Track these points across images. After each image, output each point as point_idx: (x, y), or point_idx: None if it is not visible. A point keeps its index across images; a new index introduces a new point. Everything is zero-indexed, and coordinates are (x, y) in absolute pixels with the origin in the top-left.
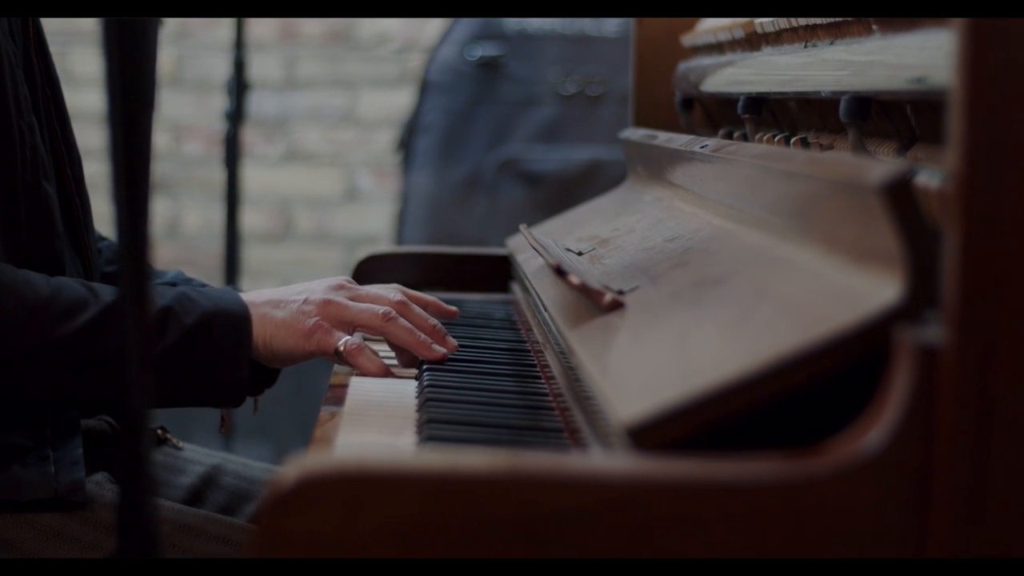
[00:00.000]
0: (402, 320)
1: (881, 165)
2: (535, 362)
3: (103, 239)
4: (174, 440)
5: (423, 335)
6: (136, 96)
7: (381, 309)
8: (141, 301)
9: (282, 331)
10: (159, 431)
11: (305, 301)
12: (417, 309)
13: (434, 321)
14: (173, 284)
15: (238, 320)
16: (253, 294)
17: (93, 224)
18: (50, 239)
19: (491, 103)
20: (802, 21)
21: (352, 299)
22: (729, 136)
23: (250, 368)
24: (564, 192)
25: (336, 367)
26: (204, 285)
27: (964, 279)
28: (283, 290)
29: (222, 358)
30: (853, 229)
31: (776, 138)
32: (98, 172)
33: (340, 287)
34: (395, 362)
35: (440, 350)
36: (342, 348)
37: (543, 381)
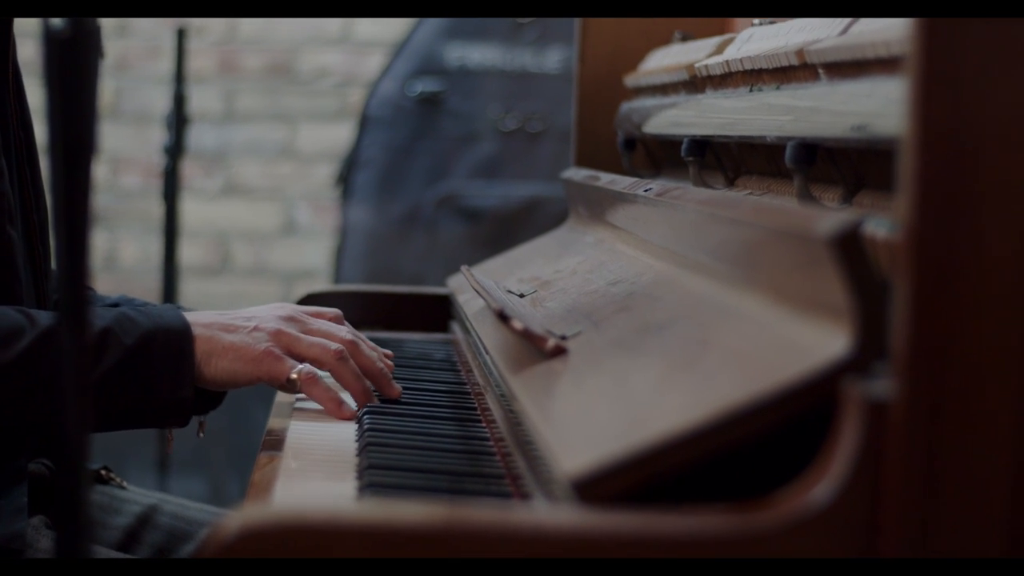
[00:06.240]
0: (351, 362)
1: (830, 215)
2: (475, 405)
3: None
4: (118, 480)
5: (367, 383)
6: (78, 131)
7: (333, 346)
8: (80, 327)
9: (230, 353)
10: (103, 471)
11: (256, 328)
12: (367, 351)
13: (381, 365)
14: (116, 305)
15: (179, 338)
16: (197, 314)
17: (51, 270)
18: (11, 284)
19: (431, 138)
20: (747, 64)
21: (303, 332)
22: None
23: (194, 388)
24: (504, 229)
25: (276, 400)
26: (145, 304)
27: (914, 331)
28: (229, 314)
29: (164, 376)
30: (800, 279)
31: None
32: None
33: (291, 319)
34: (345, 395)
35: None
36: (295, 376)
37: (484, 425)
